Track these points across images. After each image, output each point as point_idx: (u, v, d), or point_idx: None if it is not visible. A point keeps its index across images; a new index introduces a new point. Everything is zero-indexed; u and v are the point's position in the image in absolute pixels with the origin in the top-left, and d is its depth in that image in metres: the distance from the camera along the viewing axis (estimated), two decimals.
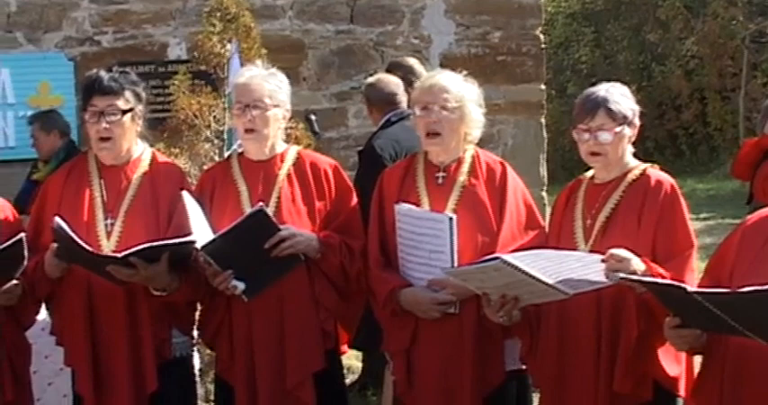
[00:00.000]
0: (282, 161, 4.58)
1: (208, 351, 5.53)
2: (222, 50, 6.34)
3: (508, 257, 3.83)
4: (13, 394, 4.40)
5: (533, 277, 3.82)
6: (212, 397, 5.73)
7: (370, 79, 6.93)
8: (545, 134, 9.79)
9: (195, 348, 4.94)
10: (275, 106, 4.51)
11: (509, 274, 3.83)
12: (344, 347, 4.72)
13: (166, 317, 4.46)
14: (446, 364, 4.33)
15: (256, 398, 4.44)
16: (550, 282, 3.85)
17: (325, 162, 4.63)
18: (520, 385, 4.49)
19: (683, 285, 3.33)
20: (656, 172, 4.19)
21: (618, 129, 4.09)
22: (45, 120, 7.87)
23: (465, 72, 4.55)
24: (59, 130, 7.90)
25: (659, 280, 3.67)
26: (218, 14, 6.43)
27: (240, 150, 4.72)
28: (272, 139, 4.56)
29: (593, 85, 4.27)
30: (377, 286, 4.42)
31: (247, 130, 4.51)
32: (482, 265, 3.91)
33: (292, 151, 4.64)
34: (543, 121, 9.79)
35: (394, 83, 6.60)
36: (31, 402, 4.57)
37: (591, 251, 4.03)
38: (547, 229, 4.38)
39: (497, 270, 3.84)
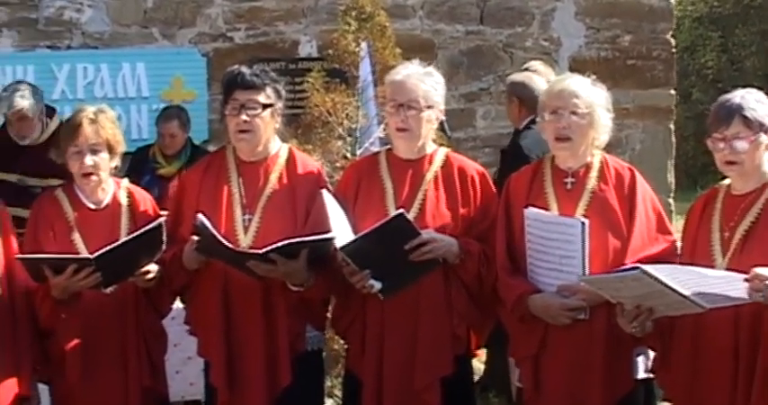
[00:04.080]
0: (431, 163, 4.57)
1: (335, 347, 5.60)
2: (356, 49, 6.39)
3: (649, 268, 3.76)
4: (149, 380, 4.52)
5: (672, 289, 3.76)
6: (335, 391, 5.81)
7: (519, 78, 6.83)
8: (673, 140, 9.65)
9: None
10: (429, 107, 4.50)
11: (647, 285, 3.77)
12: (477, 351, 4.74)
13: (302, 311, 4.52)
14: (575, 370, 4.29)
15: (382, 395, 4.46)
16: (688, 294, 3.78)
17: (473, 168, 4.61)
18: (647, 394, 4.45)
19: None
20: None
21: (754, 137, 3.98)
22: (185, 117, 7.89)
23: (594, 76, 4.51)
24: (188, 127, 7.99)
25: None
26: (354, 13, 6.48)
27: (373, 149, 4.75)
28: (422, 140, 4.55)
29: (719, 90, 4.17)
30: (505, 292, 4.39)
31: (399, 129, 4.51)
32: (621, 275, 3.88)
33: (441, 153, 4.63)
34: (672, 126, 9.64)
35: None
36: (165, 389, 4.66)
37: (729, 265, 3.94)
38: (680, 238, 4.30)
39: (636, 280, 3.78)
